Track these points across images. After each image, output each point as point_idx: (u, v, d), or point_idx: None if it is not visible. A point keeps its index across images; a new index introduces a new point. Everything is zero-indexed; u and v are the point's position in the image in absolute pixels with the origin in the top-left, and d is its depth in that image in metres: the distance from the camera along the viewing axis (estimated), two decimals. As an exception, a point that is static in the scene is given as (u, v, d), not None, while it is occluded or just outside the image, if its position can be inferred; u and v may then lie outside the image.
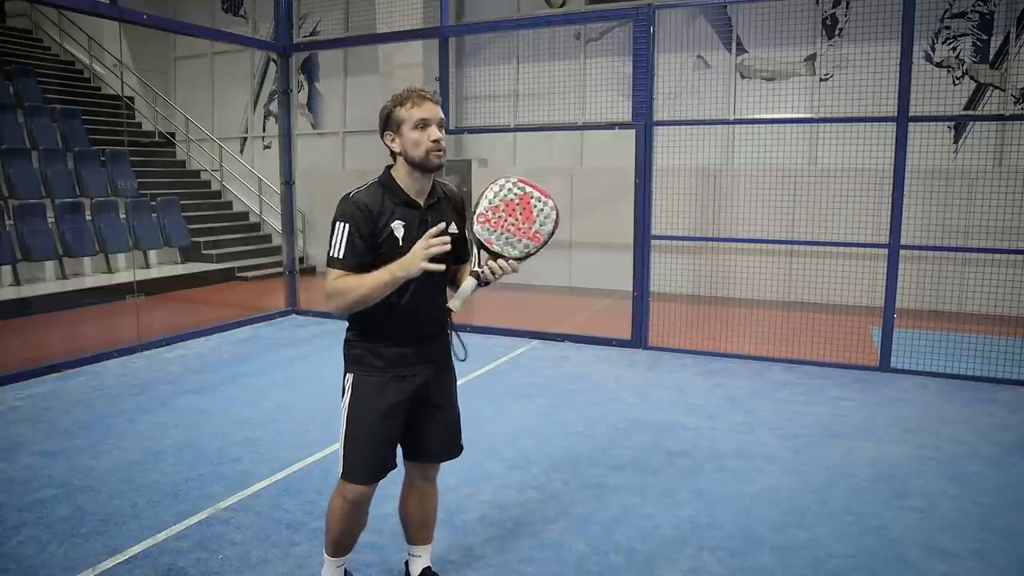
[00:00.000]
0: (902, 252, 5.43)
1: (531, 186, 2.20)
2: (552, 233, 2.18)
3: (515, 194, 2.19)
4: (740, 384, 5.16)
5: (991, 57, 7.70)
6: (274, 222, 11.01)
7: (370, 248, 2.14)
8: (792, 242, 6.98)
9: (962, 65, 7.80)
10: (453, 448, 2.46)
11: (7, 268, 8.07)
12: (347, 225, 2.12)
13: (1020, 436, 4.16)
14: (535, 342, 6.45)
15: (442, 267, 2.07)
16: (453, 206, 2.34)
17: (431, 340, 2.32)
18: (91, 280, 8.72)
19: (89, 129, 10.68)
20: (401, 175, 2.22)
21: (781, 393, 4.97)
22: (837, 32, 8.27)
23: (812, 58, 8.38)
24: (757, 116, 8.13)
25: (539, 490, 3.44)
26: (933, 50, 7.86)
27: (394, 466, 2.35)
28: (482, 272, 2.16)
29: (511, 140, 10.15)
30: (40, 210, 8.51)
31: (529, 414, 4.52)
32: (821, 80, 8.33)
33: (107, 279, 8.78)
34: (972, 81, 7.80)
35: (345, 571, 2.53)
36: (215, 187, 12.25)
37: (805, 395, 4.92)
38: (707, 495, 3.38)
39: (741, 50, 8.71)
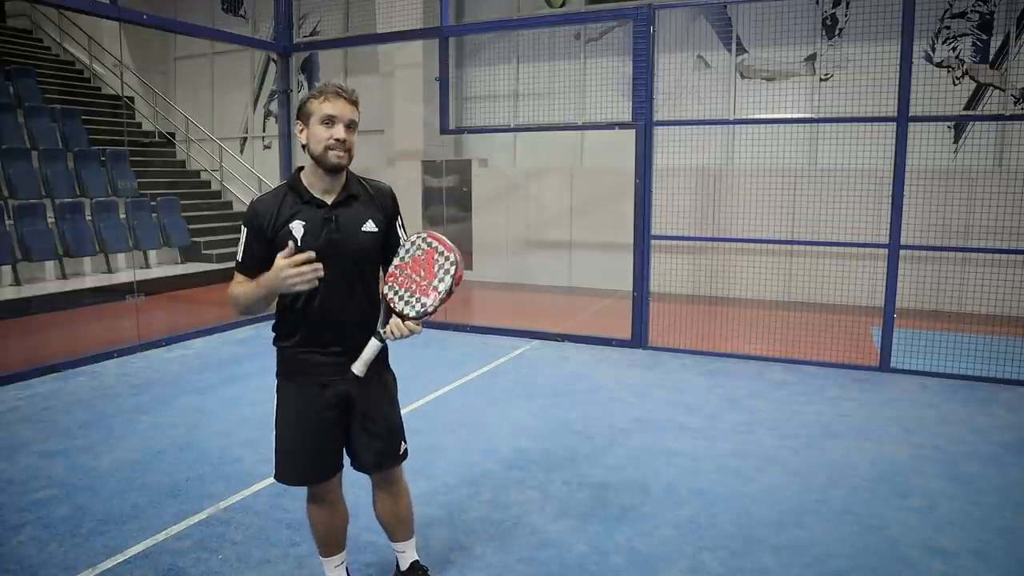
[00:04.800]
0: (902, 252, 5.43)
1: (437, 240, 2.18)
2: (450, 290, 2.13)
3: (422, 250, 2.18)
4: (740, 384, 5.16)
5: (991, 57, 7.70)
6: (274, 222, 10.97)
7: (267, 251, 2.14)
8: (792, 242, 6.98)
9: (962, 65, 7.80)
10: (387, 459, 2.38)
11: (7, 268, 8.06)
12: (245, 230, 2.19)
13: (1020, 436, 4.16)
14: (535, 342, 6.45)
15: (310, 285, 2.03)
16: (377, 203, 2.27)
17: (351, 349, 2.19)
18: (91, 280, 8.71)
19: (89, 129, 10.67)
20: (307, 174, 2.22)
21: (781, 393, 4.97)
22: (837, 32, 8.27)
23: (812, 58, 8.38)
24: (757, 116, 8.13)
25: (539, 490, 3.44)
26: (933, 50, 7.86)
27: (338, 468, 2.35)
28: (384, 333, 2.15)
29: (511, 140, 10.16)
30: (40, 210, 8.51)
31: (529, 414, 4.52)
32: (821, 80, 8.32)
33: (107, 279, 8.77)
34: (972, 81, 7.80)
35: (346, 570, 2.53)
36: (215, 187, 12.24)
37: (805, 395, 4.92)
38: (707, 495, 3.38)
39: (741, 50, 8.71)
